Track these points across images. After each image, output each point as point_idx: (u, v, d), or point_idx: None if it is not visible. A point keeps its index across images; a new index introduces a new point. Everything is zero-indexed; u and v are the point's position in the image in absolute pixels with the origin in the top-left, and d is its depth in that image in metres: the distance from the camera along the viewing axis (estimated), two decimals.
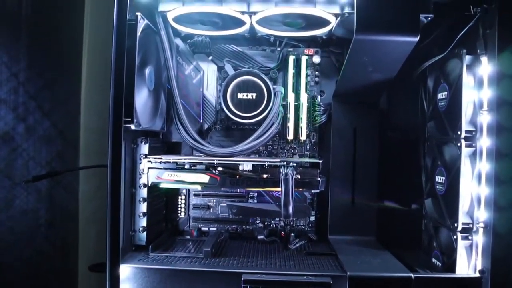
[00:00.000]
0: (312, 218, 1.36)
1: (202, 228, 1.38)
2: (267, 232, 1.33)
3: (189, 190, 1.38)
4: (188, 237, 1.35)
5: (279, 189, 1.06)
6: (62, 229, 1.46)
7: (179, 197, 1.39)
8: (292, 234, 1.32)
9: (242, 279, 0.99)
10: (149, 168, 1.13)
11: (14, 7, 1.29)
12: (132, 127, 1.03)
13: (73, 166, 1.50)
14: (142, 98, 1.09)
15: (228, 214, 1.37)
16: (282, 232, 1.34)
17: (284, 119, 1.29)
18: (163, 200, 1.33)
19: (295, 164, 1.08)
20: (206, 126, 1.32)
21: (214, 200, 1.38)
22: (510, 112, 0.93)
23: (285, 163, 1.07)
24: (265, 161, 1.10)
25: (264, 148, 1.36)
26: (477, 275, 0.98)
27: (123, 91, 0.99)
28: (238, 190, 1.36)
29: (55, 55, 1.43)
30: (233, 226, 1.37)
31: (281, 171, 1.05)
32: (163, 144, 1.32)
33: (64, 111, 1.46)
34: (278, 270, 1.03)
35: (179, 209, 1.39)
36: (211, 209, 1.38)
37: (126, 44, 1.00)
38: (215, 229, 1.37)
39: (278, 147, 1.36)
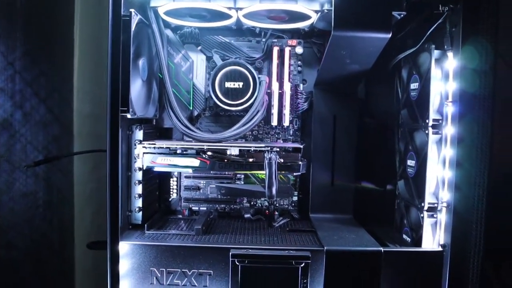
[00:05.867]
0: (295, 198, 1.46)
1: (193, 208, 1.47)
2: (253, 211, 1.43)
3: (180, 172, 1.46)
4: (180, 216, 1.44)
5: (263, 172, 1.15)
6: (59, 209, 1.55)
7: (171, 179, 1.48)
8: (276, 213, 1.42)
9: (230, 253, 1.09)
10: (144, 153, 1.21)
11: None
12: (128, 116, 1.10)
13: (67, 150, 1.57)
14: (136, 88, 1.16)
15: (217, 194, 1.46)
16: (267, 211, 1.45)
17: (269, 106, 1.37)
18: (156, 182, 1.42)
19: (278, 149, 1.18)
20: (196, 113, 1.40)
21: (204, 182, 1.46)
22: (470, 103, 1.02)
23: (269, 148, 1.17)
24: (251, 146, 1.19)
25: (250, 133, 1.45)
26: (440, 249, 1.08)
27: (119, 83, 1.06)
28: (226, 172, 1.45)
29: (49, 44, 1.48)
30: (222, 206, 1.47)
31: (265, 155, 1.14)
32: (156, 130, 1.40)
33: (59, 98, 1.53)
34: (263, 245, 1.13)
35: (171, 190, 1.48)
36: (201, 190, 1.47)
37: (121, 39, 1.07)
38: (205, 208, 1.46)
39: (264, 132, 1.45)
